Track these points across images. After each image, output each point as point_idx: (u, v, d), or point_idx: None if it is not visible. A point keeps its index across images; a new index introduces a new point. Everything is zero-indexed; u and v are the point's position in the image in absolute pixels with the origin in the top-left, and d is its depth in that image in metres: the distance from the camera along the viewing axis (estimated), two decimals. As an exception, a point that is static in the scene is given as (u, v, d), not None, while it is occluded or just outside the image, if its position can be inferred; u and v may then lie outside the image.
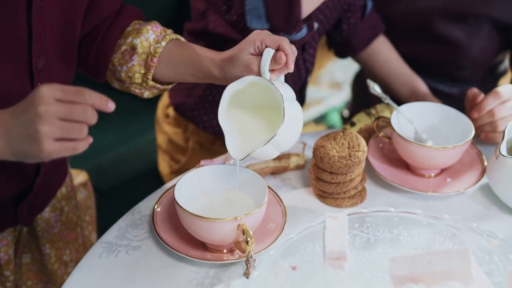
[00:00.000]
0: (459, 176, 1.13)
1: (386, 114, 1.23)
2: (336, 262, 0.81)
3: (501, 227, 1.02)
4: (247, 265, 0.92)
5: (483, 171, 1.12)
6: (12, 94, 0.89)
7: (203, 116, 1.35)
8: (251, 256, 0.92)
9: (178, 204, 0.93)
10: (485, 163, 1.14)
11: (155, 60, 1.01)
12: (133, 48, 1.02)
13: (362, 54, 1.40)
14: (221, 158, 1.15)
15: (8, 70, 0.90)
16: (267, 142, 0.92)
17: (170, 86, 1.07)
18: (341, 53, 1.42)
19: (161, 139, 1.45)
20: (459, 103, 1.27)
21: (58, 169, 1.12)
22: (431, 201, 1.09)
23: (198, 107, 1.35)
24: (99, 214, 1.30)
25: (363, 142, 1.06)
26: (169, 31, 1.04)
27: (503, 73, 1.51)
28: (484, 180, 1.11)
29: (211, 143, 1.38)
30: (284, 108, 0.91)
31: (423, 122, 1.17)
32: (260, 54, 0.95)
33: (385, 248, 0.87)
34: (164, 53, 1.01)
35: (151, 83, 1.03)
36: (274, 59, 0.93)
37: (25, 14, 0.89)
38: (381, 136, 1.16)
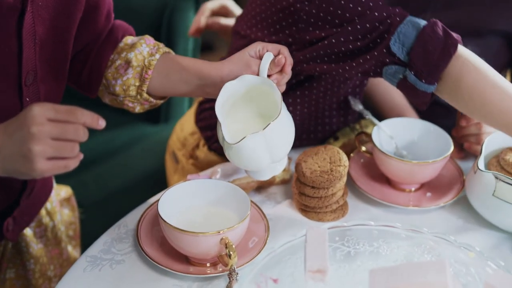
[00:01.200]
0: (438, 191, 1.15)
1: (370, 129, 1.25)
2: (317, 275, 0.83)
3: (479, 240, 1.05)
4: (229, 279, 0.93)
5: (462, 186, 1.14)
6: (0, 108, 0.91)
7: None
8: (234, 269, 0.93)
9: (162, 218, 0.94)
10: (464, 178, 1.16)
11: (149, 72, 1.03)
12: (128, 62, 1.03)
13: None
14: (207, 172, 1.17)
15: None
16: (264, 129, 0.93)
17: (162, 102, 1.09)
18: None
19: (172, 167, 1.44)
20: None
21: (44, 184, 1.13)
22: (411, 215, 1.11)
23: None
24: (82, 229, 1.30)
25: (344, 157, 1.08)
26: (161, 44, 1.06)
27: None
28: (463, 194, 1.14)
29: None
30: (281, 104, 0.94)
31: (404, 138, 1.19)
32: (260, 58, 0.98)
33: (365, 260, 0.88)
34: (158, 65, 1.04)
35: (145, 95, 1.04)
36: (274, 62, 0.96)
37: (16, 29, 0.90)
38: (362, 151, 1.18)
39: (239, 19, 1.25)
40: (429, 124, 1.19)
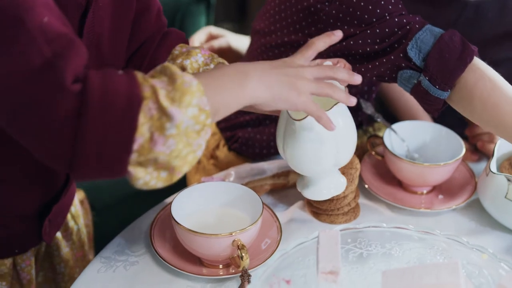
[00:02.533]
0: (450, 193, 1.15)
1: (382, 132, 1.25)
2: (329, 276, 0.83)
3: (491, 242, 1.05)
4: (242, 280, 0.94)
5: (474, 188, 1.14)
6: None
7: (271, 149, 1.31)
8: (246, 271, 0.94)
9: (175, 220, 0.95)
10: (476, 181, 1.16)
11: None
12: (183, 69, 1.03)
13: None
14: (221, 174, 1.18)
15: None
16: (330, 108, 0.92)
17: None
18: None
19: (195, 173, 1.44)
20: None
21: (73, 184, 1.14)
22: (423, 217, 1.11)
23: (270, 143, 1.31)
24: (95, 231, 1.31)
25: (356, 159, 1.09)
26: (215, 55, 1.06)
27: None
28: (475, 197, 1.14)
29: None
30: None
31: (415, 140, 1.20)
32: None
33: (378, 262, 0.89)
34: None
35: None
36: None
37: (77, 28, 0.91)
38: (373, 154, 1.18)
39: (258, 17, 1.26)
40: (440, 127, 1.19)
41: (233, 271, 0.97)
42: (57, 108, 0.74)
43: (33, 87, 0.74)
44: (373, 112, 1.22)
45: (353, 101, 0.90)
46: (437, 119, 1.26)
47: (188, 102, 0.79)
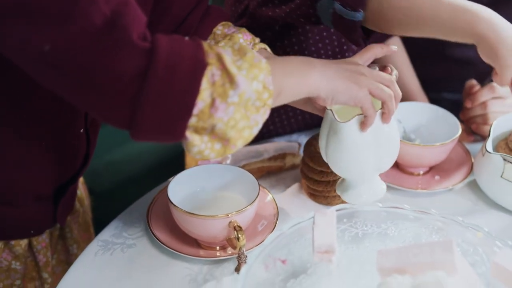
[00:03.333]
0: (447, 174, 1.15)
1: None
2: (325, 256, 0.83)
3: (487, 221, 1.05)
4: (238, 261, 0.95)
5: (471, 169, 1.15)
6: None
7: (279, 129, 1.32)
8: (243, 252, 0.95)
9: (171, 202, 0.96)
10: (473, 161, 1.16)
11: None
12: None
13: None
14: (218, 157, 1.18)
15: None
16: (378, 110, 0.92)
17: None
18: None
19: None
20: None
21: (87, 166, 1.14)
22: (420, 198, 1.12)
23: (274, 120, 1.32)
24: (94, 216, 1.32)
25: (352, 141, 1.09)
26: (257, 40, 1.04)
27: None
28: (472, 177, 1.14)
29: None
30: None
31: (411, 121, 1.20)
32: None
33: (373, 242, 0.89)
34: None
35: None
36: None
37: None
38: (370, 136, 1.18)
39: None
40: (437, 107, 1.19)
41: (230, 252, 0.98)
42: (125, 63, 0.74)
43: (99, 45, 0.73)
44: (369, 93, 1.22)
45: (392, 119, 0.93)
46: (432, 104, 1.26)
47: (255, 75, 0.80)
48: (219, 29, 1.04)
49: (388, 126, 0.94)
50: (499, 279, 0.80)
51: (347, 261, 0.87)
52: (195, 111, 0.77)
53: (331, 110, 0.93)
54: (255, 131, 0.83)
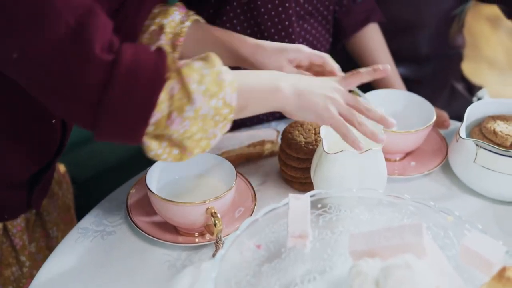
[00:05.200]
0: (423, 160, 1.17)
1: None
2: (299, 240, 0.85)
3: (460, 206, 1.07)
4: (216, 247, 0.96)
5: (446, 155, 1.17)
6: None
7: None
8: (220, 238, 0.96)
9: (150, 190, 0.97)
10: (448, 147, 1.18)
11: (181, 39, 1.06)
12: (161, 28, 1.07)
13: (353, 40, 1.40)
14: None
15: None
16: (363, 152, 0.95)
17: None
18: (333, 38, 1.39)
19: None
20: (424, 87, 1.32)
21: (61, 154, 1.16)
22: (396, 183, 1.13)
23: None
24: (76, 204, 1.33)
25: (329, 128, 1.10)
26: (191, 12, 1.09)
27: (460, 53, 1.58)
28: (447, 162, 1.16)
29: None
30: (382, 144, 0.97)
31: (388, 108, 1.21)
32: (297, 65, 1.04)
33: (347, 226, 0.91)
34: (190, 33, 1.07)
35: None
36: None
37: None
38: (348, 123, 1.20)
39: None
40: (413, 94, 1.21)
41: (208, 238, 0.99)
42: (87, 76, 0.79)
43: (63, 56, 0.78)
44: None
45: (361, 147, 0.92)
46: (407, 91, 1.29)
47: (214, 92, 0.83)
48: (157, 8, 1.08)
49: (373, 162, 0.98)
50: (467, 261, 0.82)
51: (321, 245, 0.89)
52: (152, 120, 0.82)
53: (322, 139, 0.98)
54: (213, 142, 0.87)
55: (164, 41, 1.07)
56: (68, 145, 1.35)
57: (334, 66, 1.03)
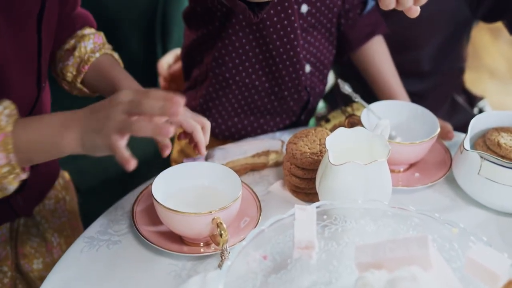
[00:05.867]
0: (427, 171, 1.18)
1: (360, 112, 1.27)
2: (305, 251, 0.85)
3: (464, 217, 1.08)
4: (222, 258, 0.97)
5: (450, 166, 1.17)
6: (20, 98, 0.97)
7: (208, 118, 1.32)
8: (226, 248, 0.97)
9: (155, 199, 0.97)
10: (452, 158, 1.19)
11: (86, 67, 1.12)
12: (73, 50, 1.13)
13: (359, 52, 1.41)
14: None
15: (19, 74, 0.99)
16: (367, 164, 0.96)
17: (96, 94, 1.18)
18: (339, 51, 1.41)
19: (174, 150, 1.46)
20: (425, 100, 1.32)
21: (48, 164, 1.17)
22: (400, 194, 1.14)
23: (203, 109, 1.34)
24: (81, 213, 1.34)
25: (334, 139, 1.11)
26: (107, 45, 1.15)
27: (462, 66, 1.59)
28: (451, 174, 1.16)
29: None
30: (388, 154, 0.98)
31: (392, 120, 1.22)
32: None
33: (352, 237, 0.91)
34: (96, 64, 1.13)
35: (79, 85, 1.14)
36: None
37: (36, 25, 0.98)
38: (352, 133, 1.20)
39: None
40: (417, 106, 1.22)
41: (214, 248, 1.00)
42: None
43: None
44: (351, 92, 1.24)
45: (132, 164, 0.84)
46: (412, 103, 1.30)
47: None
48: (80, 31, 1.15)
49: (377, 173, 0.98)
50: (472, 273, 0.83)
51: (327, 256, 0.90)
52: None
53: (327, 150, 0.98)
54: (8, 192, 0.89)
55: (71, 63, 1.13)
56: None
57: (201, 140, 1.02)
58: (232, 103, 1.32)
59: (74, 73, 1.13)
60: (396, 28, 1.45)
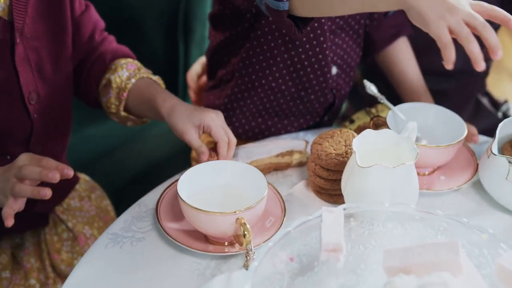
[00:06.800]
0: (452, 174, 1.17)
1: (385, 113, 1.26)
2: (332, 254, 0.85)
3: (491, 223, 1.06)
4: (246, 258, 0.96)
5: (476, 170, 1.16)
6: (10, 121, 1.07)
7: (232, 118, 1.33)
8: (251, 248, 0.96)
9: (181, 198, 0.97)
10: (478, 162, 1.17)
11: (124, 94, 1.17)
12: (110, 83, 1.19)
13: (383, 53, 1.40)
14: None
15: (3, 102, 1.06)
16: (395, 166, 0.95)
17: (144, 119, 1.23)
18: (363, 52, 1.40)
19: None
20: (449, 100, 1.31)
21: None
22: (425, 197, 1.13)
23: (228, 108, 1.34)
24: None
25: (359, 140, 1.10)
26: (143, 70, 1.20)
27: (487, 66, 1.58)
28: (476, 178, 1.15)
29: None
30: (416, 156, 0.98)
31: (418, 122, 1.20)
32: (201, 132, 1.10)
33: (379, 241, 0.90)
34: (134, 89, 1.17)
35: (123, 113, 1.19)
36: None
37: (10, 58, 1.03)
38: (377, 135, 1.19)
39: None
40: (443, 109, 1.20)
41: (238, 248, 0.99)
42: None
43: None
44: (375, 93, 1.23)
45: (10, 222, 0.95)
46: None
47: None
48: (114, 64, 1.20)
49: (403, 177, 0.97)
50: (503, 280, 0.82)
51: (354, 259, 0.89)
52: None
53: (354, 152, 0.98)
54: None
55: (112, 95, 1.19)
56: (91, 157, 1.43)
57: (223, 153, 1.08)
58: (257, 105, 1.31)
59: (116, 103, 1.19)
60: (421, 30, 1.43)
